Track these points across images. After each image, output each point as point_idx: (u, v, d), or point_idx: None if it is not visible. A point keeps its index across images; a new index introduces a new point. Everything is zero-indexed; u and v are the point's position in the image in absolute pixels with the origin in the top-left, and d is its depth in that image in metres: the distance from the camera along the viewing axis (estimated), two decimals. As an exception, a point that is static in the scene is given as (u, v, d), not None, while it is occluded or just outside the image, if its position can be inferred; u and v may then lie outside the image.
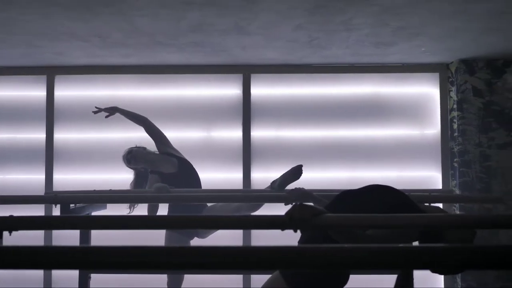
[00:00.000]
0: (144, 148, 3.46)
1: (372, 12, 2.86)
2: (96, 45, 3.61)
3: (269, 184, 3.04)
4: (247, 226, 1.80)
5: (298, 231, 1.74)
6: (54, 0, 2.68)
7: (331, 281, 1.90)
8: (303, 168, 2.97)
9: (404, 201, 1.98)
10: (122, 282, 3.71)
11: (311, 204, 1.82)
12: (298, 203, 1.71)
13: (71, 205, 2.72)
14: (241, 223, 1.72)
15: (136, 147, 3.47)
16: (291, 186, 2.91)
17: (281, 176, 2.93)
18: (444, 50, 3.80)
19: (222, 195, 2.96)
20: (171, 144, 3.61)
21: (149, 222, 1.60)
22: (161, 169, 3.34)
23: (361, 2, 2.70)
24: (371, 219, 1.65)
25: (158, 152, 3.48)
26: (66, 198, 2.71)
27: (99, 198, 2.89)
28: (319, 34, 3.32)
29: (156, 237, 3.14)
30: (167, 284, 3.24)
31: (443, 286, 4.07)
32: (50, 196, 2.69)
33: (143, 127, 3.56)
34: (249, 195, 2.92)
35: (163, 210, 3.44)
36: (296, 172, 2.94)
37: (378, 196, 2.03)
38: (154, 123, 3.61)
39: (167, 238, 3.23)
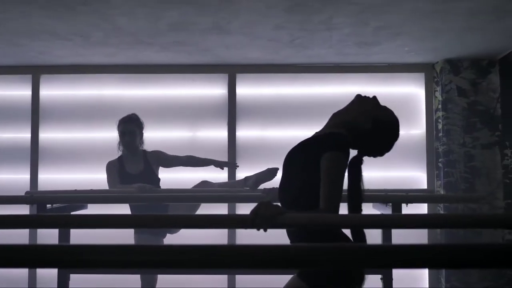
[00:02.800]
0: (141, 139, 3.39)
1: (350, 11, 2.86)
2: (79, 44, 3.61)
3: (243, 177, 3.07)
4: (212, 225, 1.78)
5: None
6: (30, -1, 2.67)
7: (347, 279, 1.85)
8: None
9: (297, 150, 1.93)
10: (98, 283, 3.70)
11: (278, 204, 1.80)
12: (263, 201, 1.70)
13: (48, 206, 2.69)
14: (205, 222, 1.71)
15: (140, 130, 3.35)
16: (267, 185, 2.91)
17: (255, 175, 2.93)
18: (428, 50, 3.80)
19: (201, 195, 2.95)
20: (167, 161, 3.48)
21: (109, 221, 1.59)
22: (126, 164, 3.31)
23: (338, 1, 2.69)
24: (332, 218, 1.64)
25: (144, 149, 3.41)
26: (42, 198, 2.69)
27: (77, 198, 2.87)
28: (301, 34, 3.31)
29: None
30: (141, 285, 3.21)
31: (427, 286, 4.06)
32: (26, 196, 2.66)
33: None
34: (227, 195, 2.91)
35: (125, 209, 3.41)
36: (271, 173, 2.94)
37: (284, 163, 1.98)
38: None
39: (137, 241, 3.19)
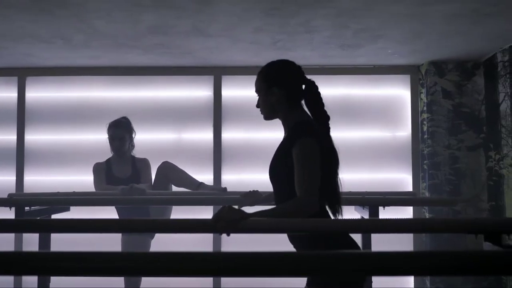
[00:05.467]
0: (131, 144, 3.35)
1: (328, 14, 2.86)
2: (61, 47, 3.61)
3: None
4: (175, 229, 1.78)
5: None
6: (7, 1, 2.67)
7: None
8: None
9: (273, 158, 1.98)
10: (80, 283, 3.69)
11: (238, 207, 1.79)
12: (226, 205, 1.70)
13: (26, 208, 2.68)
14: (169, 227, 1.71)
15: (130, 135, 3.31)
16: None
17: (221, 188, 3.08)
18: (411, 52, 3.79)
19: (179, 198, 2.96)
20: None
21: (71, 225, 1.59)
22: (114, 167, 3.30)
23: (314, 4, 2.69)
24: (293, 223, 1.64)
25: (133, 154, 3.38)
26: (20, 201, 2.69)
27: (57, 201, 2.86)
28: (281, 36, 3.31)
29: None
30: (125, 285, 3.21)
31: (412, 287, 4.06)
32: (4, 198, 2.66)
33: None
34: (206, 198, 2.90)
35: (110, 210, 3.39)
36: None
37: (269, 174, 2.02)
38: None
39: (125, 242, 3.19)
